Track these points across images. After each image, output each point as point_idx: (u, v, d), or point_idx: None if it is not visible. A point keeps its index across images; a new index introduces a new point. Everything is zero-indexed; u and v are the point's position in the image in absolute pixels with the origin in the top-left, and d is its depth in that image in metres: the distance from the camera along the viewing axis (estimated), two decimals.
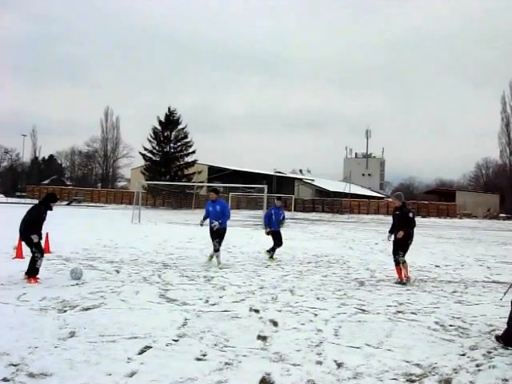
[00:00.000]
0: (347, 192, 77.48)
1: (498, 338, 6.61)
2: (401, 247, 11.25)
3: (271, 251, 14.97)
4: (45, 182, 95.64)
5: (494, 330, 7.20)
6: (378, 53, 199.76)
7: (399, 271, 11.32)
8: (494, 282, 11.91)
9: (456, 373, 5.38)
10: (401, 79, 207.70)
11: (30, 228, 9.76)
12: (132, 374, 5.02)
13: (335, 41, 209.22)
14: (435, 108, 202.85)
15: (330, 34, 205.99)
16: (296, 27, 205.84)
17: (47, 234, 13.32)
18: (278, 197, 18.39)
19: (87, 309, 7.67)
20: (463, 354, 6.04)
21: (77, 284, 9.53)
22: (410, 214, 11.38)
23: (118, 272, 11.30)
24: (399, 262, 11.25)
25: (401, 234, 11.10)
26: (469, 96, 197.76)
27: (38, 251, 9.78)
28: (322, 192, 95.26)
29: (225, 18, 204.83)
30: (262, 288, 10.03)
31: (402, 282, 11.14)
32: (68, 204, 66.52)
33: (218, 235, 13.26)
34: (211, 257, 13.59)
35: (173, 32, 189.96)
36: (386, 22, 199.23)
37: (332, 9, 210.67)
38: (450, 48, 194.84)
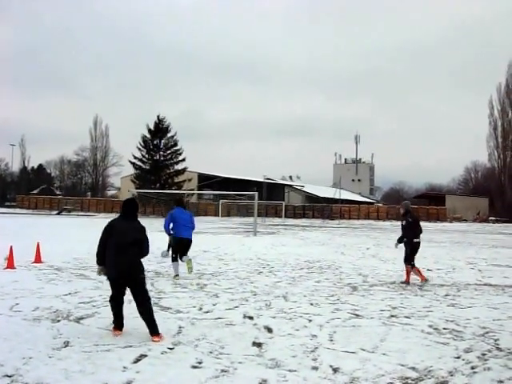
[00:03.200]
0: (337, 198, 77.67)
1: None
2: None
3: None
4: (34, 192, 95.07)
5: (487, 333, 7.25)
6: (365, 58, 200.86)
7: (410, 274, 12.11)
8: (485, 284, 11.98)
9: (451, 375, 5.40)
10: (390, 84, 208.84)
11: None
12: (128, 383, 5.00)
13: (323, 47, 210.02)
14: (423, 112, 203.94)
15: (318, 40, 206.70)
16: (283, 34, 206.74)
17: (38, 243, 13.30)
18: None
19: (81, 318, 7.65)
20: (458, 357, 6.06)
21: (69, 293, 9.48)
22: (410, 219, 12.09)
23: None
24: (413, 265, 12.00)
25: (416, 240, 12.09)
26: (456, 100, 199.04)
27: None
28: (312, 198, 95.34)
29: (213, 25, 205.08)
30: (255, 295, 10.02)
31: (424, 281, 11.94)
32: (58, 213, 66.24)
33: (187, 247, 12.55)
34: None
35: (161, 40, 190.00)
36: (373, 29, 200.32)
37: (319, 16, 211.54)
38: (438, 53, 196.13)
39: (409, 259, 11.91)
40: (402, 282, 11.89)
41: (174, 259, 12.32)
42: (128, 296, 9.41)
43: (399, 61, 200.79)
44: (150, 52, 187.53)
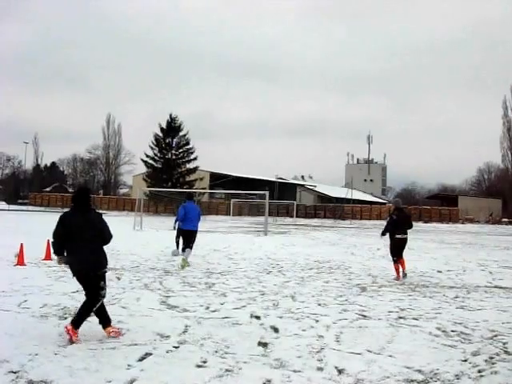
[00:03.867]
0: (349, 198, 77.45)
1: None
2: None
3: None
4: (47, 189, 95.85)
5: (496, 336, 7.18)
6: (378, 59, 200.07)
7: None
8: (496, 287, 11.87)
9: (458, 379, 5.35)
10: (402, 85, 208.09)
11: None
12: (132, 381, 5.01)
13: (335, 47, 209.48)
14: (436, 113, 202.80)
15: (330, 40, 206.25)
16: (296, 33, 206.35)
17: (48, 240, 13.31)
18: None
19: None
20: (465, 360, 6.00)
21: (77, 291, 9.51)
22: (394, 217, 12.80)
23: (118, 279, 11.28)
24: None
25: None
26: (470, 101, 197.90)
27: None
28: (323, 198, 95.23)
29: (226, 25, 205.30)
30: (263, 294, 10.00)
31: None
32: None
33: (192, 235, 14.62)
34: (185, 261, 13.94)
35: (174, 40, 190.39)
36: (386, 29, 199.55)
37: (333, 15, 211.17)
38: (451, 54, 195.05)
39: (391, 254, 12.77)
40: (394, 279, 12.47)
41: (177, 244, 14.92)
42: (136, 294, 9.46)
43: (412, 61, 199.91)
44: (163, 52, 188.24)
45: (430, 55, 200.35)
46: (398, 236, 12.58)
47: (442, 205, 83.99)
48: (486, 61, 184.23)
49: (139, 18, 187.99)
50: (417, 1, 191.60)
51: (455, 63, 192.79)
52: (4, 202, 77.32)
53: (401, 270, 12.56)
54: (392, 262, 12.74)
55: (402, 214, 13.04)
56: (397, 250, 12.56)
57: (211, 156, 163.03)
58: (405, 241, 12.76)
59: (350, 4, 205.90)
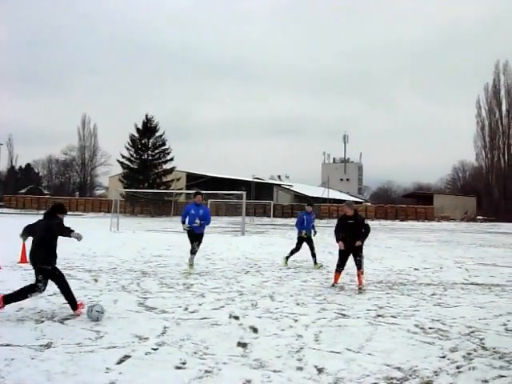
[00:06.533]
0: (326, 197, 77.77)
1: None
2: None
3: (289, 255, 15.30)
4: (22, 191, 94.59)
5: (473, 332, 7.25)
6: (353, 58, 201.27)
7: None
8: (472, 283, 11.99)
9: (436, 375, 5.39)
10: (378, 84, 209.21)
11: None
12: None
13: (311, 46, 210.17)
14: (411, 112, 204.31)
15: (306, 39, 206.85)
16: (271, 33, 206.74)
17: (24, 243, 13.16)
18: (309, 202, 17.96)
19: (65, 319, 7.57)
20: (443, 357, 6.06)
21: (54, 294, 9.39)
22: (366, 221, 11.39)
23: (96, 281, 11.19)
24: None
25: (358, 243, 10.97)
26: (444, 100, 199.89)
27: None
28: (300, 197, 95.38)
29: (200, 25, 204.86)
30: (241, 294, 9.98)
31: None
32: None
33: (197, 238, 13.44)
34: (191, 264, 13.50)
35: (149, 40, 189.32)
36: (361, 29, 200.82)
37: (308, 15, 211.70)
38: (426, 54, 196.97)
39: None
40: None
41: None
42: (113, 296, 9.38)
43: (388, 60, 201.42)
44: (138, 52, 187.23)
45: (405, 55, 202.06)
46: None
47: (418, 203, 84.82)
48: (460, 61, 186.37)
49: (114, 17, 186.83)
50: (390, 1, 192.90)
51: (430, 63, 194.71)
52: None
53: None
54: (369, 262, 12.65)
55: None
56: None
57: (188, 156, 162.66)
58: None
59: (324, 4, 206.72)
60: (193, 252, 13.42)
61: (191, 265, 13.44)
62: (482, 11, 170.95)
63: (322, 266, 14.68)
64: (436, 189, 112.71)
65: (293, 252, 15.26)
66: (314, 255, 14.93)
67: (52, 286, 7.98)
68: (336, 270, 11.41)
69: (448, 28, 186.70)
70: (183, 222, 13.36)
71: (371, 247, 14.23)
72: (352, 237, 10.98)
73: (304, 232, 15.23)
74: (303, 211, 15.96)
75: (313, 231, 15.50)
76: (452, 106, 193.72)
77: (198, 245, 13.51)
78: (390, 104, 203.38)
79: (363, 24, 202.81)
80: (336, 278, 11.39)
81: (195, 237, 13.39)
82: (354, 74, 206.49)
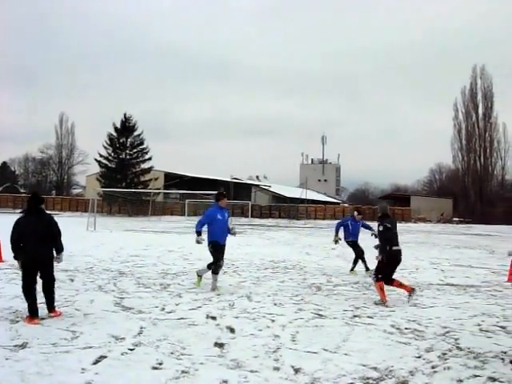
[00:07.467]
0: (304, 198, 77.94)
1: None
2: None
3: (353, 265, 13.86)
4: None
5: (448, 332, 7.32)
6: (331, 60, 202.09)
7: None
8: (447, 284, 12.11)
9: (412, 375, 5.43)
10: (355, 86, 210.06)
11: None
12: None
13: (290, 48, 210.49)
14: (389, 114, 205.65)
15: (285, 41, 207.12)
16: (252, 34, 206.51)
17: None
18: (358, 209, 15.46)
19: (41, 319, 7.49)
20: (419, 357, 6.11)
21: None
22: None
23: (72, 281, 11.09)
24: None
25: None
26: (422, 103, 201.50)
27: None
28: (278, 198, 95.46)
29: (182, 24, 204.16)
30: (218, 295, 9.97)
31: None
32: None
33: (223, 251, 10.83)
34: (200, 278, 11.08)
35: (128, 39, 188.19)
36: (338, 31, 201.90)
37: (288, 17, 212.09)
38: (403, 55, 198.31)
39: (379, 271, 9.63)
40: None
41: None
42: (90, 296, 9.31)
43: (365, 62, 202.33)
44: (117, 51, 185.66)
45: (382, 56, 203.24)
46: (394, 248, 9.61)
47: (395, 204, 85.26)
48: (438, 63, 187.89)
49: (93, 15, 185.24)
50: (372, 2, 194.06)
51: (407, 65, 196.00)
52: None
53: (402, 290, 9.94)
54: (346, 263, 12.63)
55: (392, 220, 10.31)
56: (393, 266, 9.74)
57: (166, 156, 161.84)
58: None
59: (306, 5, 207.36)
60: (216, 271, 10.65)
61: (214, 288, 10.46)
62: (462, 13, 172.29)
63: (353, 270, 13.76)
64: (413, 190, 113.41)
65: (356, 260, 13.82)
66: (355, 262, 13.87)
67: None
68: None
69: (426, 30, 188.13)
70: (199, 233, 10.49)
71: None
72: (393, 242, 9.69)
73: (337, 238, 14.23)
74: (347, 216, 14.75)
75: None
76: (430, 109, 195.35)
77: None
78: (368, 106, 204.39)
79: (341, 25, 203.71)
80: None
81: (223, 251, 10.76)
82: (332, 76, 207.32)
